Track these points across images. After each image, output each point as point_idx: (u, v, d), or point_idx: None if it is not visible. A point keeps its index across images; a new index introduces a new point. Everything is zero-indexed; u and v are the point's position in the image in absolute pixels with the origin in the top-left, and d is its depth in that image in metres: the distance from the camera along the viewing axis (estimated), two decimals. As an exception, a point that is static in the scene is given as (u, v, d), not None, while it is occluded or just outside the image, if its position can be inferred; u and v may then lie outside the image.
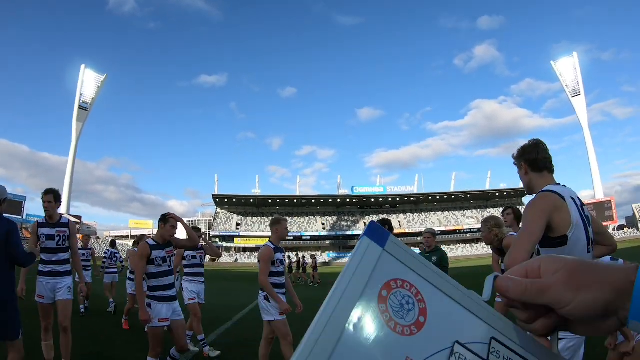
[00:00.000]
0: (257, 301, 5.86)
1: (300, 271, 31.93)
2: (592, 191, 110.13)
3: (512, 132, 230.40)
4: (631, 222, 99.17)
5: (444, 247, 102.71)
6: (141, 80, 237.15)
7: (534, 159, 2.85)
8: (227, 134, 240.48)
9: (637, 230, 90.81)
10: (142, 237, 9.54)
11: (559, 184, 2.82)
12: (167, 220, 5.54)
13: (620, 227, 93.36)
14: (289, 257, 35.67)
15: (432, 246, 7.32)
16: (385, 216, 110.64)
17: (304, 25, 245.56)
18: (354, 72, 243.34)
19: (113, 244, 14.98)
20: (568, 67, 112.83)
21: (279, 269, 5.87)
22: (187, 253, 8.31)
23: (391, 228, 6.58)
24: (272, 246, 5.91)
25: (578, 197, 2.74)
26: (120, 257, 14.20)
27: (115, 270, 13.45)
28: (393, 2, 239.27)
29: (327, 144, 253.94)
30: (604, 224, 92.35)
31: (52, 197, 5.74)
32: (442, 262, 7.07)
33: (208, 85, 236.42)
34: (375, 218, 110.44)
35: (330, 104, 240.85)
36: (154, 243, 5.42)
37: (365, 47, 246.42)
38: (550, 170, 2.87)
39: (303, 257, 32.61)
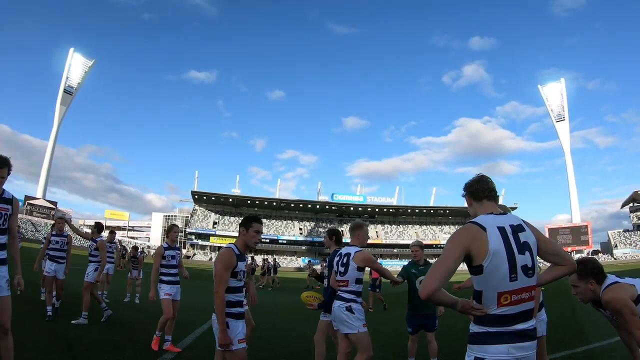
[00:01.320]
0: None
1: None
2: (569, 215, 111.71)
3: (494, 152, 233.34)
4: (606, 248, 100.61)
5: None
6: (130, 70, 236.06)
7: (474, 190, 3.00)
8: (212, 132, 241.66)
9: (611, 256, 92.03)
10: (173, 227, 8.26)
11: (492, 212, 2.88)
12: (251, 225, 4.54)
13: (595, 252, 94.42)
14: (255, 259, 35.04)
15: (421, 259, 6.98)
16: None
17: (298, 30, 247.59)
18: (344, 81, 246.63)
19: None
20: (555, 92, 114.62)
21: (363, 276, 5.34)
22: (167, 253, 7.88)
23: (339, 240, 6.18)
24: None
25: (514, 224, 2.78)
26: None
27: None
28: (388, 16, 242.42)
29: (310, 149, 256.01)
30: (579, 248, 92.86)
31: (6, 171, 4.66)
32: None
33: (197, 81, 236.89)
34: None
35: (317, 110, 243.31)
36: (239, 252, 4.44)
37: (357, 58, 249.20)
38: (490, 198, 2.97)
39: (263, 259, 32.22)
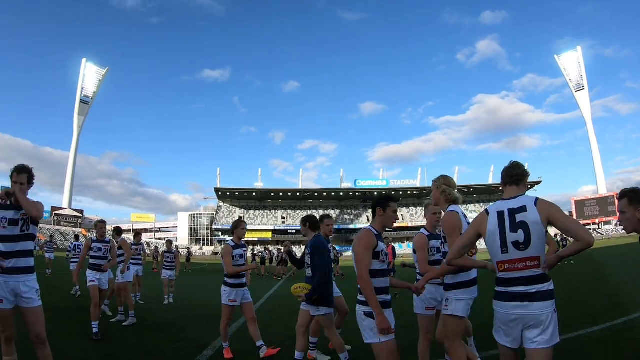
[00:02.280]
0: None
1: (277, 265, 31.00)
2: (595, 186, 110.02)
3: (514, 126, 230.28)
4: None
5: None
6: (144, 74, 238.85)
7: (502, 177, 3.70)
8: (230, 128, 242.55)
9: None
10: (240, 222, 7.34)
11: (504, 198, 3.57)
12: (389, 204, 4.28)
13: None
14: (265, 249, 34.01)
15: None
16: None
17: (307, 20, 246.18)
18: (357, 67, 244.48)
19: (77, 237, 18.07)
20: (572, 62, 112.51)
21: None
22: (235, 252, 6.98)
23: (314, 225, 6.07)
24: (427, 233, 5.25)
25: (514, 207, 3.40)
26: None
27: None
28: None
29: (330, 138, 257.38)
30: (607, 219, 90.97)
31: (25, 177, 4.76)
32: None
33: (211, 80, 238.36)
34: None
35: (333, 98, 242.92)
36: (377, 232, 4.21)
37: (368, 43, 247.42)
38: (512, 184, 3.61)
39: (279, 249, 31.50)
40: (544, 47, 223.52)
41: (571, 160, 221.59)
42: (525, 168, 3.70)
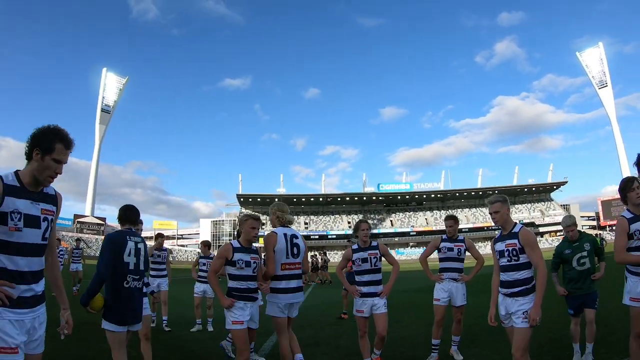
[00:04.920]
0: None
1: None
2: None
3: (535, 128, 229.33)
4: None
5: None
6: (165, 84, 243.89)
7: None
8: (252, 136, 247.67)
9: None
10: (361, 224, 6.23)
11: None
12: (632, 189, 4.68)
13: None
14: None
15: (574, 235, 6.10)
16: (411, 214, 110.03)
17: (326, 27, 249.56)
18: (377, 72, 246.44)
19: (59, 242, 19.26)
20: (594, 58, 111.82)
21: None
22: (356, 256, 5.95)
23: (122, 217, 4.90)
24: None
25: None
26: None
27: (79, 261, 18.65)
28: (412, 2, 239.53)
29: (351, 143, 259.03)
30: None
31: (68, 156, 3.23)
32: (596, 244, 6.14)
33: (232, 89, 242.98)
34: (401, 215, 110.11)
35: (353, 104, 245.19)
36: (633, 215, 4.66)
37: (387, 48, 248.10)
38: None
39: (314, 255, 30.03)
40: (563, 47, 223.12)
41: (594, 160, 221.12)
42: None
